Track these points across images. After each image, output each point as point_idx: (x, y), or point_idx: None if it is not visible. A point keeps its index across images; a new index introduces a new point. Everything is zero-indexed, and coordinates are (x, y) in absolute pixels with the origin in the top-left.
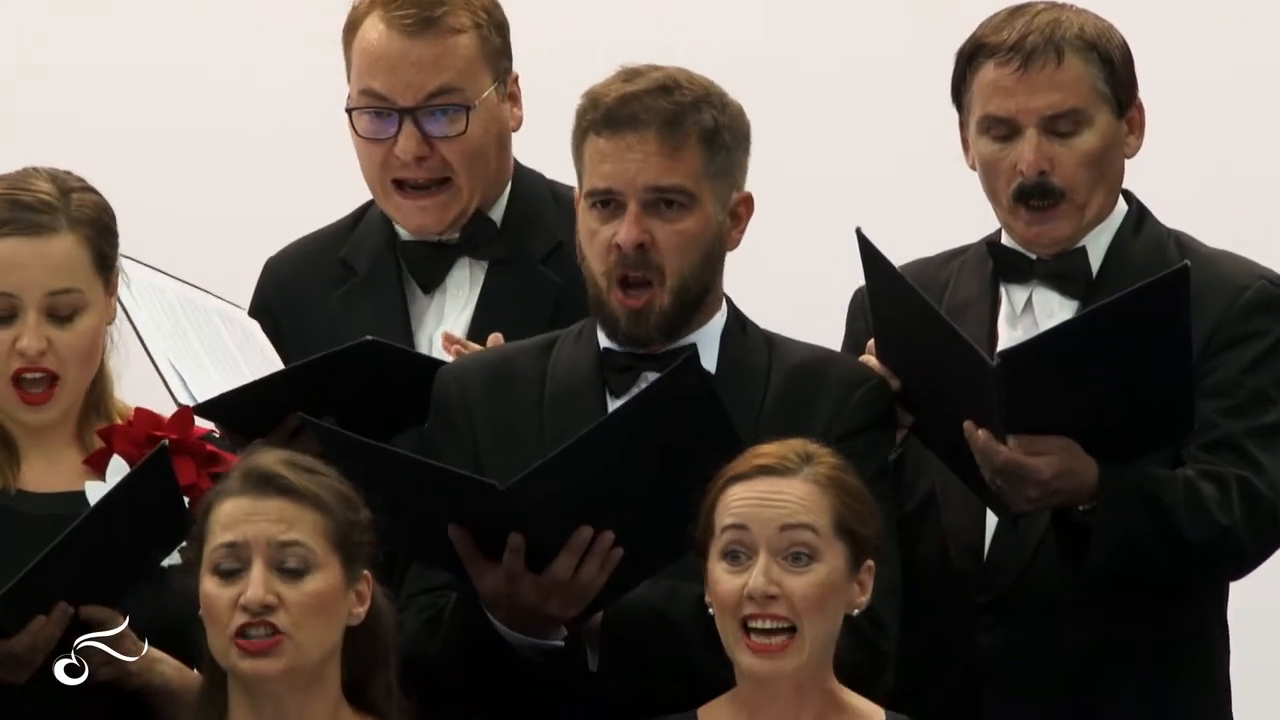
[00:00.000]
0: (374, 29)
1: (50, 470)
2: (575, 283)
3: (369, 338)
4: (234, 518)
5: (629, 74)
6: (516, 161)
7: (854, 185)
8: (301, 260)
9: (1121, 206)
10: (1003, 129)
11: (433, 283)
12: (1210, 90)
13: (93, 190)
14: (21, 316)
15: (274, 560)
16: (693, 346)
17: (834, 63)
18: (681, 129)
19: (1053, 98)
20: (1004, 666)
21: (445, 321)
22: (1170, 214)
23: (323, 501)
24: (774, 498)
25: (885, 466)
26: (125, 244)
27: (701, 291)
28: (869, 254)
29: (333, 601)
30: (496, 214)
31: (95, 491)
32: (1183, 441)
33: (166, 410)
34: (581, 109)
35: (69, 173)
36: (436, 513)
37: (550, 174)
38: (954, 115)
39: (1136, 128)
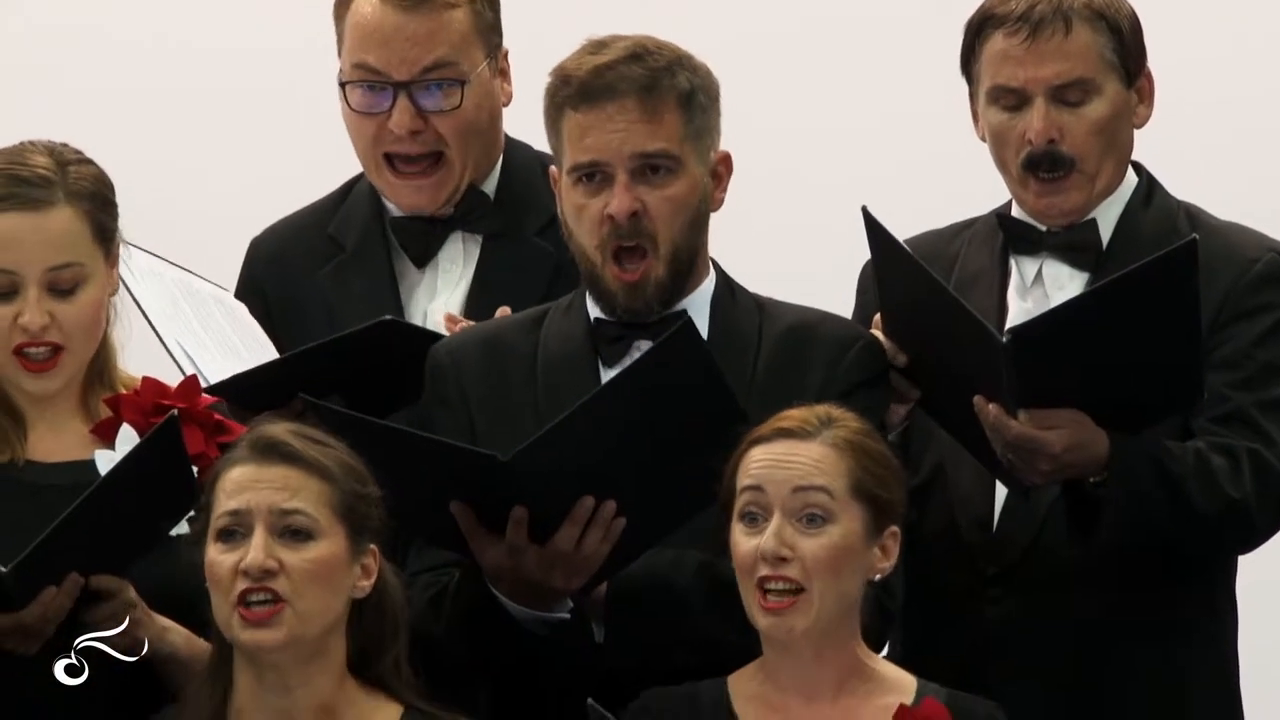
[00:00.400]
0: (368, 3)
1: (57, 440)
2: (571, 255)
3: (388, 317)
4: (239, 485)
5: (595, 45)
6: (507, 135)
7: (860, 153)
8: (289, 237)
9: (1131, 178)
10: (1011, 99)
11: (425, 257)
12: (1220, 62)
13: (90, 162)
14: (23, 292)
15: (276, 527)
16: (685, 314)
17: (840, 27)
18: (659, 94)
19: (1061, 67)
20: (1011, 638)
21: (438, 296)
22: (1179, 186)
23: (328, 470)
24: (789, 460)
25: (881, 424)
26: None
27: (691, 256)
28: (875, 231)
29: (335, 570)
30: (489, 188)
31: (105, 460)
32: (1192, 411)
33: (171, 380)
34: (553, 86)
35: (66, 145)
36: (438, 489)
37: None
38: (963, 85)
39: (1146, 97)
